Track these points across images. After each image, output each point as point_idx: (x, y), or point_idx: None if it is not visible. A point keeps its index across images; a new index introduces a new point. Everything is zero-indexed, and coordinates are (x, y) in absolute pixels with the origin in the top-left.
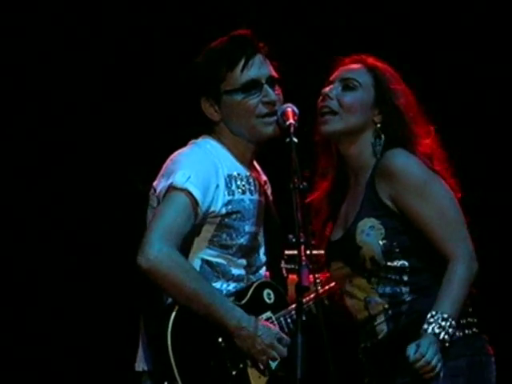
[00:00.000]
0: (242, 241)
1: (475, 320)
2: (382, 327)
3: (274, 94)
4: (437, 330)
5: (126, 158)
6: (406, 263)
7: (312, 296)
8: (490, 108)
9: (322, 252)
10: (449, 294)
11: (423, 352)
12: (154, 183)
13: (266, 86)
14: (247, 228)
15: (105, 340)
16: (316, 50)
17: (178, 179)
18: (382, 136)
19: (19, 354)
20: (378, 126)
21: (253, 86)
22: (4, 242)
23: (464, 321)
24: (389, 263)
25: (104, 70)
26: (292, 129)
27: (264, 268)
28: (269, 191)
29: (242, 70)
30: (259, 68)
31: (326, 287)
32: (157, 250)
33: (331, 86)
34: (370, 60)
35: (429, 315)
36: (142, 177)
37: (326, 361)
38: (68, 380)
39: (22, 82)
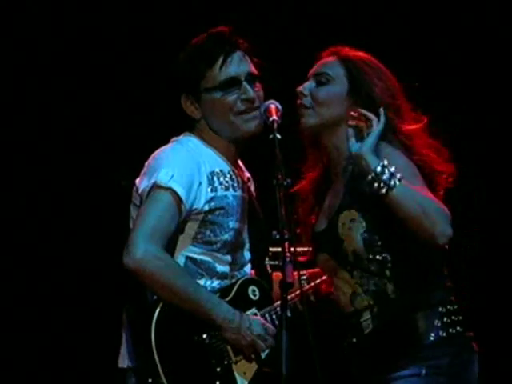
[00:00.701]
0: (227, 237)
1: (460, 318)
2: (368, 323)
3: (252, 91)
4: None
5: (110, 153)
6: (388, 256)
7: (297, 292)
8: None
9: (307, 249)
10: (412, 190)
11: None
12: (137, 181)
13: (244, 84)
14: (231, 224)
15: (88, 336)
16: (302, 45)
17: (162, 178)
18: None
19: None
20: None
21: (231, 83)
22: None
23: (448, 319)
24: (371, 256)
25: (88, 64)
26: (275, 125)
27: (249, 265)
28: (252, 188)
29: (221, 68)
30: (238, 65)
31: (312, 284)
32: (143, 250)
33: (305, 84)
34: (344, 51)
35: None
36: (124, 172)
37: (311, 357)
38: (53, 375)
39: (18, 78)
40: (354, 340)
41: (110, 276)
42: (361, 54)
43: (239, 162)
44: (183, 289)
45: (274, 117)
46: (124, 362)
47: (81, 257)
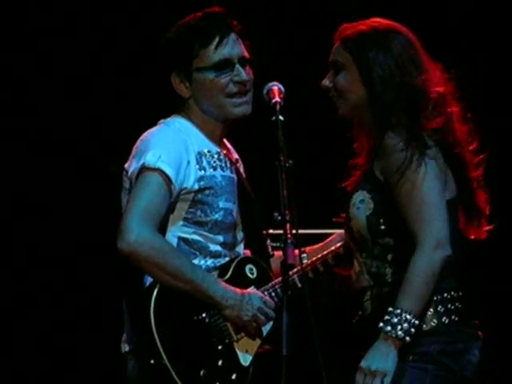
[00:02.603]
0: (217, 217)
1: (458, 306)
2: (368, 304)
3: (245, 74)
4: (388, 328)
5: (98, 138)
6: (391, 241)
7: (296, 270)
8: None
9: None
10: (403, 287)
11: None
12: (126, 165)
13: (237, 66)
14: (221, 204)
15: (91, 322)
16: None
17: (150, 159)
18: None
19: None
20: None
21: (225, 65)
22: None
23: (442, 308)
24: (375, 239)
25: (77, 46)
26: (278, 107)
27: (242, 245)
28: (241, 169)
29: (216, 49)
30: (232, 47)
31: (310, 261)
32: (136, 234)
33: (327, 76)
34: (345, 31)
35: (386, 312)
36: (113, 158)
37: (311, 335)
38: (54, 363)
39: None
40: (358, 319)
41: (107, 262)
42: (362, 27)
43: (227, 144)
44: (179, 269)
45: (277, 98)
46: (125, 346)
47: (74, 244)
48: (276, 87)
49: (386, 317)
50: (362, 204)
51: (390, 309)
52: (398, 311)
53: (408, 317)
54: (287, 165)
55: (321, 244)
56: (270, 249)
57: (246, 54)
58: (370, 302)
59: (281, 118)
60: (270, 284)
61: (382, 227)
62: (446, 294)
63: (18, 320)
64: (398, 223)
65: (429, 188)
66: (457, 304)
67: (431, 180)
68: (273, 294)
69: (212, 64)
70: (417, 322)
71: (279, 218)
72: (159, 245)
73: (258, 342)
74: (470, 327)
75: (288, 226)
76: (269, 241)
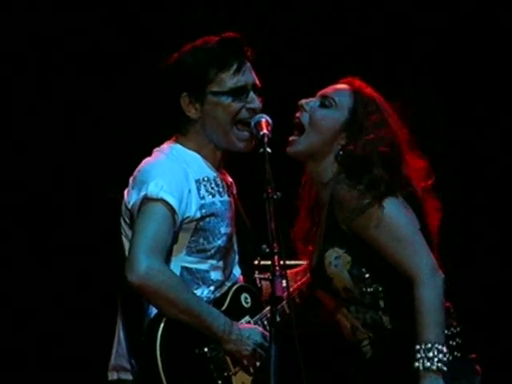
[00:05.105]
0: (220, 243)
1: (459, 341)
2: (368, 349)
3: (258, 101)
4: (427, 364)
5: (96, 165)
6: (380, 287)
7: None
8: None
9: (296, 262)
10: (423, 321)
11: None
12: (125, 196)
13: (251, 93)
14: (223, 229)
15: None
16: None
17: (152, 190)
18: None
19: None
20: (340, 152)
21: (240, 91)
22: None
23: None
24: (362, 289)
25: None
26: (266, 139)
27: (237, 268)
28: (234, 191)
29: (234, 75)
30: (248, 75)
31: (295, 285)
32: (146, 266)
33: (310, 99)
34: (358, 83)
35: (415, 351)
36: (111, 184)
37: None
38: None
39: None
40: (357, 364)
41: (98, 289)
42: (375, 94)
43: (222, 168)
44: (186, 303)
45: (265, 131)
46: (113, 374)
47: (71, 270)
48: (264, 119)
49: (418, 355)
50: (338, 260)
51: (418, 346)
52: (429, 345)
53: (440, 347)
54: (275, 197)
55: (300, 268)
56: (257, 280)
57: (258, 83)
58: (369, 347)
59: (268, 150)
60: (262, 312)
61: (367, 275)
62: (446, 331)
63: None
64: (380, 267)
65: (403, 222)
66: (457, 339)
67: (401, 214)
68: (265, 322)
69: (228, 89)
70: (445, 349)
71: (267, 250)
72: (169, 278)
73: (252, 375)
74: (470, 362)
75: (276, 258)
76: (257, 272)
